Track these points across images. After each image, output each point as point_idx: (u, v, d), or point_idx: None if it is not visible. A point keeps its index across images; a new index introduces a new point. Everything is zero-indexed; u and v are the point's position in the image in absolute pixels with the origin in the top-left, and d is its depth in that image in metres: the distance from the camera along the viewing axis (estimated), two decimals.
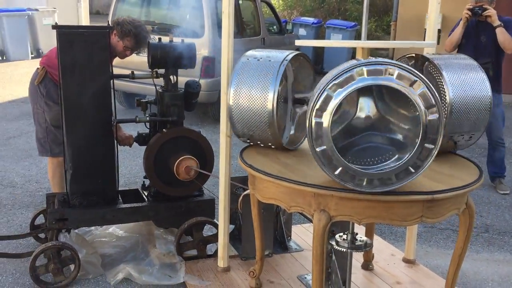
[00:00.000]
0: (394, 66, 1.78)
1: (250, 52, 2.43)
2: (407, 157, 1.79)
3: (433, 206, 1.93)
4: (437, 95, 1.78)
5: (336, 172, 1.84)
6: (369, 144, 2.04)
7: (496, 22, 4.25)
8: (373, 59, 1.83)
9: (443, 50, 6.06)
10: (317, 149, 1.84)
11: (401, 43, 3.06)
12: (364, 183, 1.83)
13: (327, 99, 1.80)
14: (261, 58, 2.35)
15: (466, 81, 2.21)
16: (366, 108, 2.08)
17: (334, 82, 1.80)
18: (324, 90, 1.82)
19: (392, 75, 1.77)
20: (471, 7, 4.30)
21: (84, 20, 3.65)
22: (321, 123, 1.82)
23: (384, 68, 1.78)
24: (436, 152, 1.80)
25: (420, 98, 1.75)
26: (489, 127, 4.27)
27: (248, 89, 2.29)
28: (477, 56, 4.26)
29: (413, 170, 1.80)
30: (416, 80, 1.76)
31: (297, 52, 2.39)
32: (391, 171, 1.81)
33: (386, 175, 1.82)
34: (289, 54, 2.33)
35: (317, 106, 1.82)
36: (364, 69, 1.78)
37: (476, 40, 4.42)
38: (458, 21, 4.46)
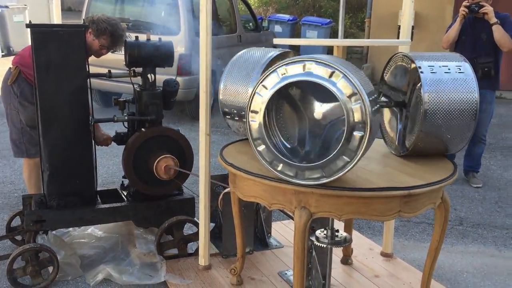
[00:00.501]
0: (282, 66, 1.88)
1: (241, 52, 2.55)
2: (345, 127, 1.79)
3: (410, 201, 1.98)
4: (329, 62, 1.80)
5: (306, 176, 1.89)
6: (338, 132, 2.01)
7: (493, 19, 4.22)
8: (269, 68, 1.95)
9: (416, 48, 6.14)
10: (278, 169, 1.94)
11: (377, 41, 3.11)
12: (333, 172, 1.84)
13: (252, 126, 1.94)
14: (250, 56, 2.46)
15: (448, 84, 2.13)
16: (310, 105, 2.10)
17: (250, 109, 1.94)
18: (248, 120, 1.95)
19: (285, 74, 1.88)
20: (468, 4, 4.28)
21: (56, 17, 3.59)
22: (265, 150, 1.94)
23: (276, 72, 1.89)
24: (367, 102, 1.75)
25: (325, 76, 1.80)
26: (477, 121, 4.22)
27: (235, 85, 2.41)
28: (475, 54, 4.28)
29: (361, 133, 1.77)
30: (305, 63, 1.83)
31: (284, 50, 2.46)
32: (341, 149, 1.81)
33: (345, 152, 1.81)
34: (274, 52, 2.43)
35: (253, 136, 1.95)
36: (261, 85, 1.92)
37: (473, 38, 4.39)
38: (455, 18, 4.45)
